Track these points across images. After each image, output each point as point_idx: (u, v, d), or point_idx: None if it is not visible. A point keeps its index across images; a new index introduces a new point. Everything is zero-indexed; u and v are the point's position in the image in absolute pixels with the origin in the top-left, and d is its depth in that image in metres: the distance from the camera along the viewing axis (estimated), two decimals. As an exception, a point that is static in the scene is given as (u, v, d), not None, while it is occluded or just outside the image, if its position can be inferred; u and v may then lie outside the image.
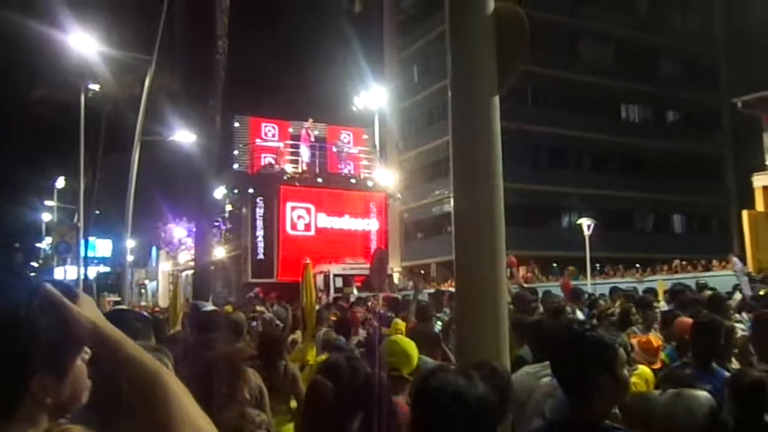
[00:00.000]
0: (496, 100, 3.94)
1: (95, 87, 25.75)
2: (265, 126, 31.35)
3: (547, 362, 3.11)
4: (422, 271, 30.64)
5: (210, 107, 15.05)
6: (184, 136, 22.55)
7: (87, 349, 1.31)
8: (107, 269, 60.30)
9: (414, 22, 42.06)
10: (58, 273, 30.30)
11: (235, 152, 30.37)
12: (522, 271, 28.89)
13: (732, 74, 40.23)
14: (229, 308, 11.89)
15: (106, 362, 1.29)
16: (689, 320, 5.25)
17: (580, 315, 7.74)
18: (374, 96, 35.20)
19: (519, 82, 4.17)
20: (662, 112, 43.33)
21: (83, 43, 21.07)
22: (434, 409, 1.95)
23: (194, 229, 19.92)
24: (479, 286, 3.79)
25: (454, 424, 1.91)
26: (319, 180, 29.37)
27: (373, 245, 28.02)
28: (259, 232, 28.55)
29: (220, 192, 28.84)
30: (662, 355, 5.10)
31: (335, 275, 24.73)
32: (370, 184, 30.44)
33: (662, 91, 40.42)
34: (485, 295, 3.77)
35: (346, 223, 29.80)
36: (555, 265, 28.30)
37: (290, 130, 30.96)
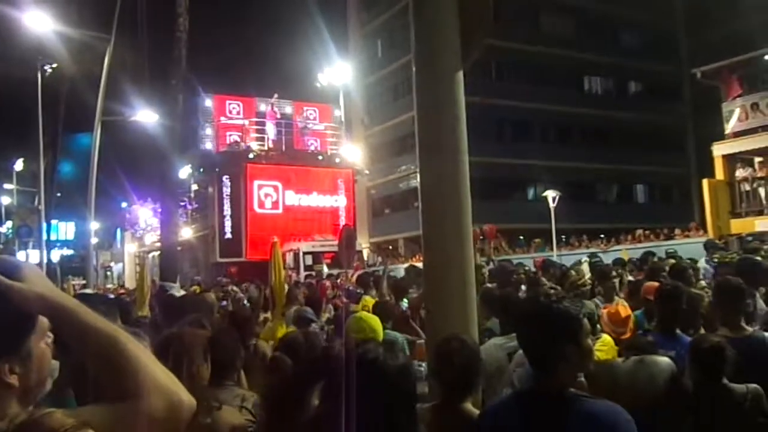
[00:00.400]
0: (460, 74, 3.96)
1: (52, 65, 25.17)
2: (230, 103, 30.92)
3: (515, 334, 3.18)
4: (390, 247, 30.76)
5: (172, 86, 14.85)
6: (146, 115, 22.22)
7: (49, 333, 1.30)
8: (71, 252, 59.42)
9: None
10: (20, 257, 29.78)
11: (201, 131, 29.93)
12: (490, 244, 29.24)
13: (692, 45, 40.73)
14: (196, 288, 11.85)
15: (62, 333, 1.27)
16: (655, 284, 5.36)
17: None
18: (339, 71, 34.95)
19: (482, 55, 4.18)
20: (624, 83, 43.72)
21: (39, 21, 20.56)
22: (358, 376, 2.04)
23: (159, 210, 19.73)
24: (447, 260, 3.83)
25: (373, 389, 1.99)
26: (286, 157, 29.14)
27: (342, 222, 27.94)
28: (227, 211, 28.25)
29: (185, 172, 28.45)
30: (631, 323, 5.21)
31: (305, 253, 24.62)
32: (337, 160, 30.29)
33: (624, 62, 40.77)
34: (453, 269, 3.82)
35: (314, 200, 29.63)
36: (521, 237, 28.60)
37: (258, 106, 30.59)
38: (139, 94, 23.38)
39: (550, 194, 23.57)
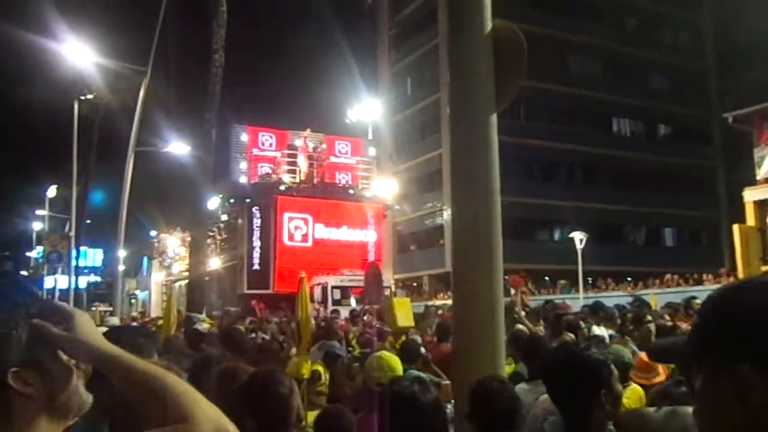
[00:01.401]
0: (494, 117, 3.99)
1: (89, 96, 25.74)
2: (263, 135, 31.12)
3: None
4: (414, 284, 30.66)
5: (205, 120, 15.07)
6: (178, 147, 22.54)
7: (81, 366, 1.34)
8: (98, 279, 60.01)
9: (407, 36, 42.27)
10: (49, 282, 30.14)
11: (235, 163, 30.15)
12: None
13: (721, 87, 40.62)
14: (206, 323, 11.64)
15: (111, 380, 1.31)
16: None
17: (597, 331, 7.54)
18: (368, 108, 35.27)
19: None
20: (653, 125, 43.57)
21: (78, 52, 21.07)
22: (394, 411, 2.17)
23: (188, 240, 19.89)
24: (477, 298, 3.82)
25: (411, 424, 2.07)
26: (317, 190, 29.15)
27: (371, 256, 27.84)
28: (256, 243, 28.19)
29: (214, 202, 28.69)
30: (660, 368, 5.12)
31: (333, 287, 24.43)
32: (368, 194, 30.26)
33: (653, 104, 40.68)
34: (482, 308, 3.81)
35: (344, 234, 29.49)
36: (547, 278, 28.38)
37: (290, 139, 30.80)
38: (172, 125, 23.75)
39: (578, 235, 23.41)
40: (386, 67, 44.39)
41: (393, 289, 25.45)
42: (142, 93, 21.36)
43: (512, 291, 11.92)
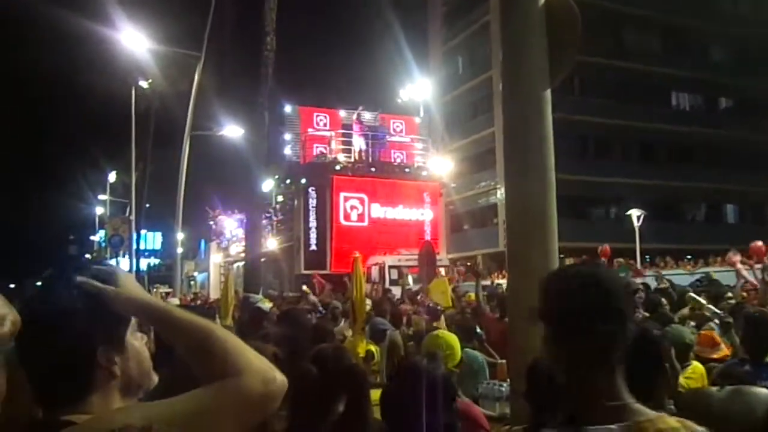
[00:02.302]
0: (548, 92, 3.92)
1: (145, 83, 26.26)
2: (317, 116, 30.99)
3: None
4: (468, 263, 30.48)
5: (258, 104, 15.21)
6: (232, 130, 22.84)
7: (141, 334, 1.42)
8: (158, 261, 61.55)
9: (458, 14, 41.80)
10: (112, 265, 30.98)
11: (287, 142, 30.26)
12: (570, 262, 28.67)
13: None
14: (266, 302, 11.84)
15: (158, 332, 1.41)
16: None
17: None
18: (419, 88, 35.06)
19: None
20: (713, 99, 42.29)
21: (134, 40, 21.49)
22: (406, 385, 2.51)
23: (245, 221, 20.17)
24: (532, 278, 3.77)
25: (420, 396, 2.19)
26: (372, 169, 28.87)
27: (428, 235, 27.73)
28: (312, 223, 28.14)
29: (268, 184, 28.92)
30: (723, 346, 5.03)
31: (390, 267, 24.28)
32: (423, 173, 30.09)
33: (713, 77, 39.42)
34: (537, 288, 3.76)
35: (400, 213, 29.32)
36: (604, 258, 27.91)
37: (342, 116, 30.75)
38: (226, 109, 24.08)
39: (635, 213, 22.99)
40: (438, 46, 44.05)
41: (448, 268, 25.22)
42: (196, 78, 21.67)
43: (606, 263, 11.86)
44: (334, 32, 46.20)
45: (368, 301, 8.43)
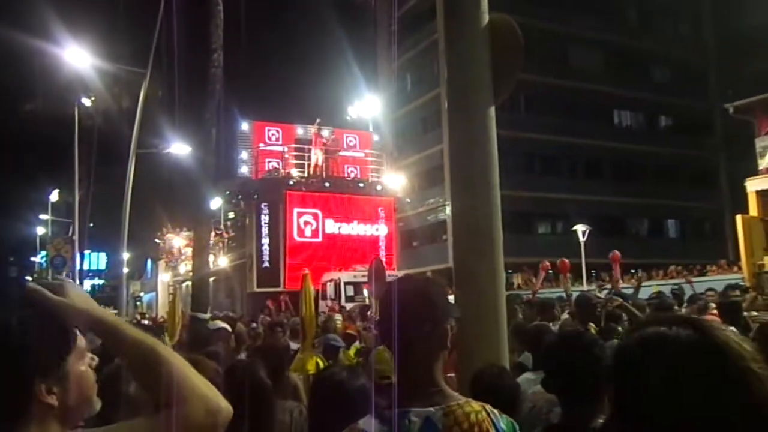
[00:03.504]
0: (492, 110, 4.02)
1: (88, 100, 25.78)
2: (269, 130, 30.70)
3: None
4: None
5: (206, 120, 15.10)
6: (179, 148, 22.56)
7: (93, 356, 1.38)
8: (102, 281, 60.15)
9: (406, 33, 42.23)
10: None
11: (239, 159, 29.80)
12: (517, 278, 29.00)
13: (722, 79, 40.49)
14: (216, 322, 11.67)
15: (105, 344, 1.37)
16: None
17: None
18: (369, 104, 35.21)
19: (512, 89, 4.24)
20: (654, 117, 43.50)
21: (76, 56, 21.09)
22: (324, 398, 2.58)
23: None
24: (479, 292, 3.85)
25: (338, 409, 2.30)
26: (327, 185, 28.73)
27: (382, 251, 27.66)
28: (264, 240, 27.75)
29: (217, 202, 28.52)
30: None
31: (346, 283, 24.04)
32: (378, 188, 29.96)
33: (654, 96, 40.59)
34: (485, 302, 3.83)
35: (355, 228, 29.14)
36: (550, 271, 28.35)
37: (298, 131, 30.39)
38: (173, 126, 23.79)
39: (580, 228, 23.45)
40: (386, 63, 44.33)
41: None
42: (142, 95, 21.37)
43: (565, 276, 12.01)
44: (283, 50, 46.10)
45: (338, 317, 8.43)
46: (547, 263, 12.56)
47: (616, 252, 11.35)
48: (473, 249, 3.90)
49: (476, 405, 1.90)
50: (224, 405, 1.32)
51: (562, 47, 38.98)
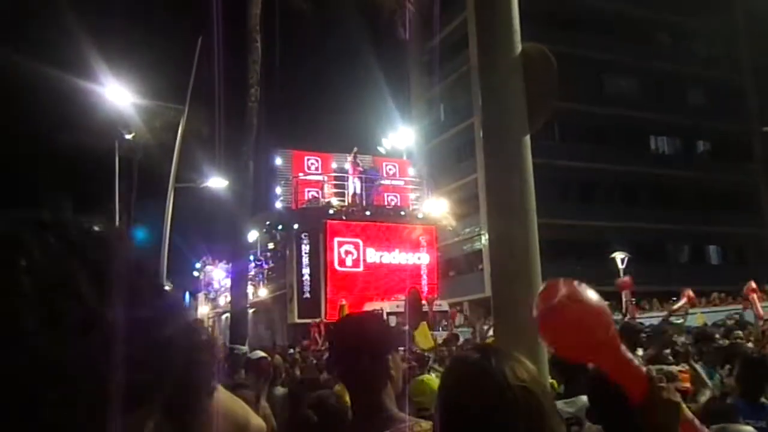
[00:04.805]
0: (527, 139, 4.00)
1: (128, 136, 26.29)
2: (308, 159, 30.58)
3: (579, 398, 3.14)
4: (457, 308, 30.34)
5: (242, 153, 15.31)
6: (217, 182, 22.86)
7: None
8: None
9: (440, 63, 42.47)
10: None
11: (278, 189, 29.75)
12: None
13: (761, 101, 39.92)
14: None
15: None
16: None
17: None
18: (402, 136, 35.34)
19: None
20: (692, 142, 42.98)
21: (116, 94, 21.59)
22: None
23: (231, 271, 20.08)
24: (518, 323, 3.79)
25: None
26: (367, 213, 28.56)
27: (424, 280, 27.37)
28: (305, 270, 27.52)
29: (254, 234, 28.54)
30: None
31: (389, 314, 23.88)
32: (419, 216, 29.71)
33: (690, 121, 40.15)
34: (524, 332, 3.78)
35: (396, 257, 28.86)
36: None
37: (335, 162, 30.36)
38: (210, 160, 24.14)
39: (619, 256, 23.09)
40: (420, 94, 44.62)
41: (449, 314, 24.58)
42: (180, 130, 21.76)
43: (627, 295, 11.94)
44: (317, 84, 46.73)
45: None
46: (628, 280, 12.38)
47: (626, 279, 11.20)
48: (510, 278, 3.86)
49: (425, 424, 2.10)
50: (255, 422, 1.37)
51: (596, 74, 38.86)
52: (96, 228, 0.64)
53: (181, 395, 1.26)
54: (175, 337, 0.61)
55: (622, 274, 22.69)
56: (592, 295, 2.02)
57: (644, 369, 2.05)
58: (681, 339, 8.21)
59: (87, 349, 0.54)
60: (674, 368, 5.64)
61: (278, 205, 29.47)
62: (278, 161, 30.09)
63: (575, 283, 2.01)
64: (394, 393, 2.26)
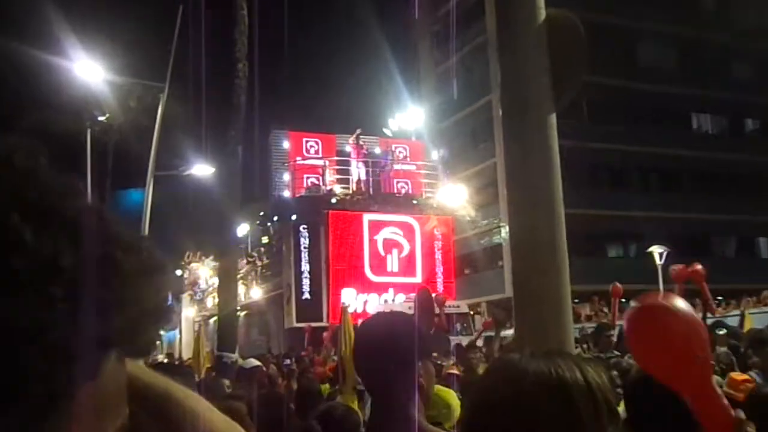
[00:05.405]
0: (553, 119, 3.98)
1: (102, 118, 26.31)
2: (307, 141, 30.15)
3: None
4: (471, 312, 30.33)
5: (230, 137, 15.29)
6: (201, 169, 22.80)
7: None
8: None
9: (451, 33, 42.33)
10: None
11: (275, 175, 29.30)
12: (585, 309, 28.58)
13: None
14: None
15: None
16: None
17: None
18: (411, 115, 35.24)
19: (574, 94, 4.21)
20: (739, 120, 42.77)
21: (89, 71, 21.51)
22: None
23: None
24: (543, 326, 3.79)
25: None
26: (374, 203, 28.27)
27: (440, 278, 27.16)
28: (304, 267, 27.09)
29: (244, 228, 28.27)
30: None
31: None
32: (434, 205, 29.37)
33: (737, 96, 39.89)
34: (548, 336, 3.77)
35: (407, 252, 28.61)
36: (623, 300, 27.90)
37: (338, 144, 29.79)
38: (195, 144, 24.10)
39: (657, 250, 23.05)
40: (430, 68, 44.47)
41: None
42: (160, 111, 21.73)
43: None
44: (316, 60, 46.66)
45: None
46: (619, 287, 12.47)
47: (617, 285, 11.31)
48: (534, 276, 3.85)
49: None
50: None
51: (630, 44, 38.67)
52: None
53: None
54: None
55: (660, 270, 22.61)
56: (688, 307, 2.02)
57: (732, 411, 2.04)
58: (722, 350, 8.21)
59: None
60: (719, 378, 5.64)
61: (286, 193, 28.77)
62: (285, 145, 29.55)
63: (671, 294, 2.04)
64: (423, 404, 2.26)
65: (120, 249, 0.74)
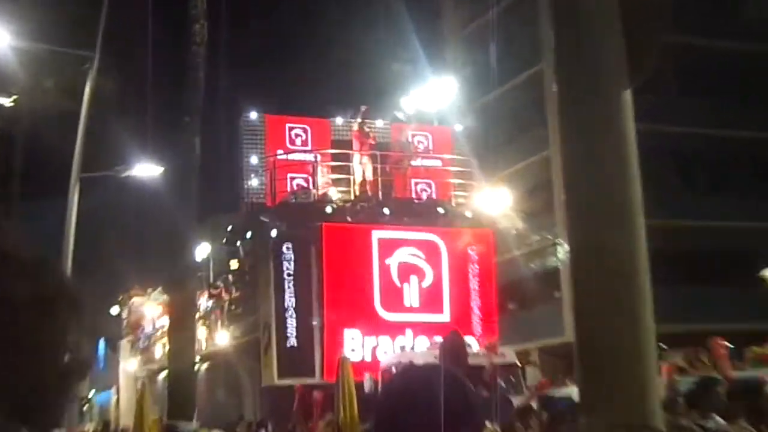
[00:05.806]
0: (627, 96, 4.01)
1: (7, 101, 26.44)
2: (291, 128, 30.01)
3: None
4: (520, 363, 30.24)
5: (186, 125, 15.27)
6: (145, 169, 22.83)
7: None
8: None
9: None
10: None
11: (248, 173, 29.20)
12: (676, 359, 28.47)
13: None
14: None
15: None
16: None
17: None
18: (432, 93, 35.24)
19: (656, 63, 4.22)
20: None
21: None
22: None
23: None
24: (616, 385, 3.79)
25: None
26: (385, 211, 28.16)
27: (476, 314, 27.01)
28: (289, 301, 26.44)
29: (206, 248, 28.19)
30: None
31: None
32: (467, 214, 28.99)
33: None
34: (624, 402, 3.78)
35: (430, 278, 28.06)
36: (731, 346, 27.74)
37: (334, 132, 29.73)
38: (137, 137, 24.17)
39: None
40: (456, 30, 44.52)
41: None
42: (87, 90, 21.79)
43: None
44: (304, 18, 46.86)
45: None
46: (723, 343, 12.55)
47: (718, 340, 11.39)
48: (605, 313, 3.87)
49: None
50: None
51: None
52: None
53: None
54: None
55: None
56: None
57: None
58: None
59: None
60: None
61: (262, 200, 28.53)
62: (252, 116, 29.31)
63: None
64: None
65: (9, 272, 0.66)
